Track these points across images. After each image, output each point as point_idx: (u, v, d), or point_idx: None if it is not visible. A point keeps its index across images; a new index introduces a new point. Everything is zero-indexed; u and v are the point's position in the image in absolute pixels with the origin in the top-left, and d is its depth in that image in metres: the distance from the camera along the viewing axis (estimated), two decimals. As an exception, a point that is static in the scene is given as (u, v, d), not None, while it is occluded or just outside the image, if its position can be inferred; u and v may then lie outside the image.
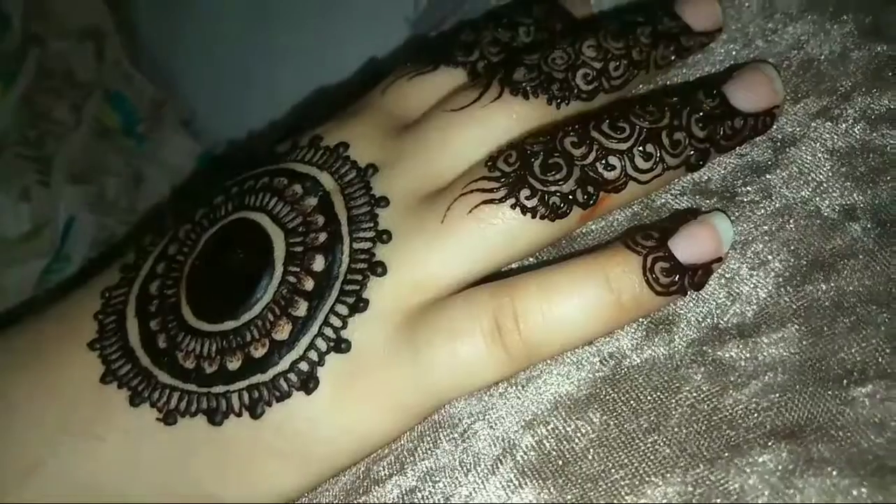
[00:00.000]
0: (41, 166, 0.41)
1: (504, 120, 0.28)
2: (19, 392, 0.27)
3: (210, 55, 0.46)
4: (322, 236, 0.27)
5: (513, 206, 0.26)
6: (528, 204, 0.26)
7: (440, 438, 0.25)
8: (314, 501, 0.26)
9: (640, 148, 0.26)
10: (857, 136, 0.26)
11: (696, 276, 0.25)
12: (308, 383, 0.25)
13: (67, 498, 0.26)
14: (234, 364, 0.26)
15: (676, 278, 0.24)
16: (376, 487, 0.25)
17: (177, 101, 0.48)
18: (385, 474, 0.25)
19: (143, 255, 0.29)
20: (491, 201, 0.26)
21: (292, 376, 0.25)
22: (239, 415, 0.25)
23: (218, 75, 0.46)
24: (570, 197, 0.26)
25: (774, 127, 0.28)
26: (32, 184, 0.41)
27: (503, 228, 0.26)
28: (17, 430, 0.27)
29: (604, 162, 0.26)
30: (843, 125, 0.27)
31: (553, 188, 0.26)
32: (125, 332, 0.27)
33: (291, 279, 0.26)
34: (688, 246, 0.25)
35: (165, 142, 0.47)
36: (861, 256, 0.24)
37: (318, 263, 0.26)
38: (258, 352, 0.26)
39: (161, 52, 0.47)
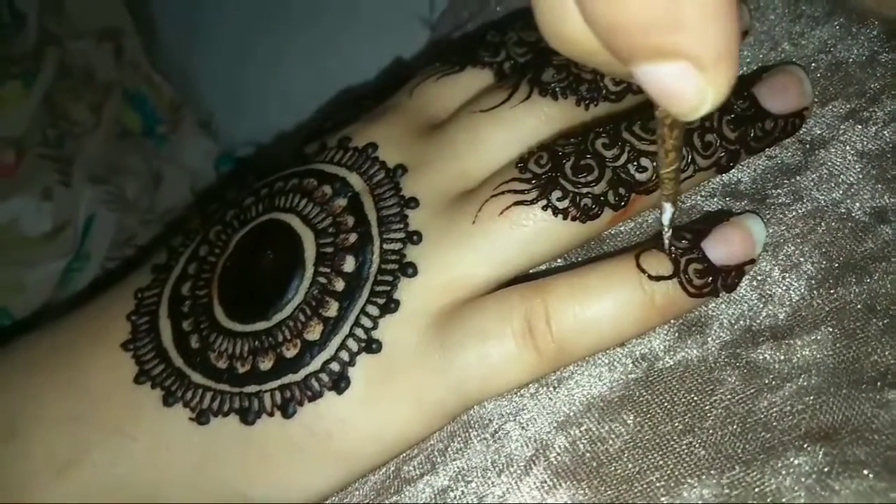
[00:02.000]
0: (62, 166, 0.41)
1: (533, 121, 0.28)
2: (53, 392, 0.28)
3: (228, 56, 0.46)
4: (352, 237, 0.27)
5: (544, 208, 0.26)
6: (560, 205, 0.26)
7: (471, 438, 0.25)
8: (344, 501, 0.26)
9: None
10: (887, 139, 0.27)
11: (728, 277, 0.25)
12: (339, 383, 0.25)
13: (100, 497, 0.27)
14: (266, 364, 0.26)
15: (710, 280, 0.25)
16: (408, 487, 0.25)
17: (195, 103, 0.48)
18: (416, 474, 0.25)
19: (174, 256, 0.29)
20: (522, 202, 0.26)
21: (324, 376, 0.25)
22: (271, 414, 0.26)
23: (236, 76, 0.47)
24: (602, 198, 0.26)
25: (803, 129, 0.28)
26: (53, 183, 0.41)
27: (534, 229, 0.26)
28: (50, 430, 0.27)
29: (636, 163, 0.26)
30: (873, 128, 0.27)
31: (585, 189, 0.26)
32: (158, 333, 0.27)
33: (322, 280, 0.26)
34: (721, 247, 0.25)
35: (184, 143, 0.47)
36: (893, 259, 0.24)
37: (349, 264, 0.26)
38: (290, 352, 0.26)
39: (179, 54, 0.48)
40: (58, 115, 0.43)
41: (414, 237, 0.26)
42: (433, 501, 0.24)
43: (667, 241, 0.25)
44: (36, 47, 0.44)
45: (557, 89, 0.28)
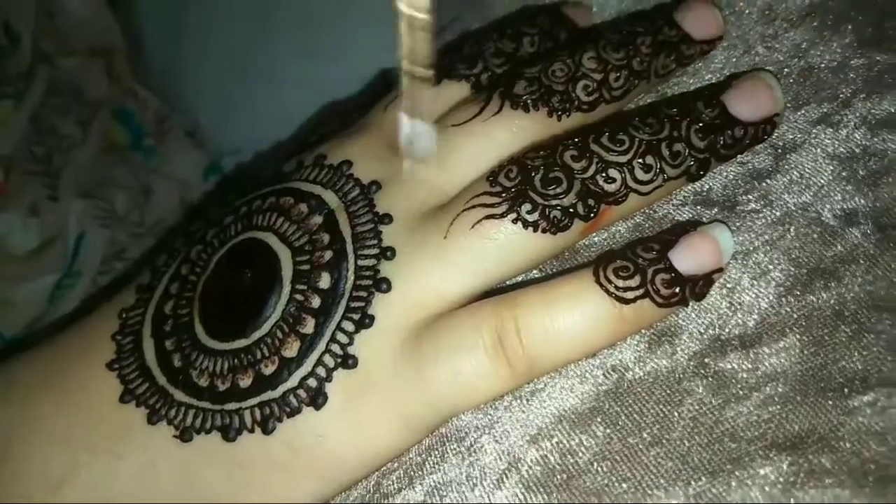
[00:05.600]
0: (50, 181, 0.42)
1: (505, 133, 0.28)
2: (43, 410, 0.28)
3: (216, 67, 0.47)
4: (327, 254, 0.27)
5: (514, 221, 0.26)
6: (530, 218, 0.26)
7: (447, 452, 0.25)
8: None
9: (640, 160, 0.26)
10: (858, 141, 0.26)
11: (697, 286, 0.25)
12: (317, 399, 0.26)
13: None
14: (245, 381, 0.26)
15: (677, 290, 0.25)
16: (386, 501, 0.25)
17: (181, 113, 0.49)
18: (395, 488, 0.25)
19: (157, 276, 0.29)
20: (493, 216, 0.26)
21: (301, 392, 0.26)
22: (252, 431, 0.26)
23: (224, 87, 0.47)
24: (571, 210, 0.26)
25: (775, 134, 0.28)
26: (41, 199, 0.41)
27: (505, 243, 0.26)
28: (42, 448, 0.28)
29: (604, 175, 0.26)
30: (844, 131, 0.27)
31: (554, 202, 0.26)
32: (142, 352, 0.28)
33: (299, 297, 0.27)
34: (688, 257, 0.25)
35: (173, 155, 0.47)
36: (862, 262, 0.24)
37: (325, 281, 0.27)
38: (268, 369, 0.26)
39: (166, 65, 0.48)
40: (45, 130, 0.43)
41: (387, 253, 0.27)
42: (409, 517, 0.24)
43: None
44: (29, 66, 0.44)
45: (529, 101, 0.28)
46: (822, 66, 0.28)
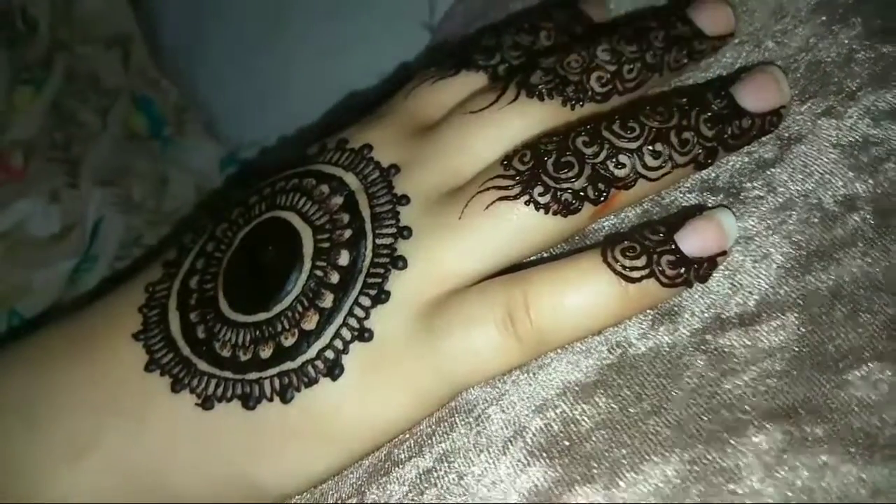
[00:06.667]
0: (69, 168, 0.42)
1: (519, 121, 0.29)
2: (70, 381, 0.29)
3: (232, 61, 0.47)
4: (347, 233, 0.28)
5: (527, 203, 0.27)
6: (542, 200, 0.27)
7: (456, 423, 0.26)
8: (340, 483, 0.27)
9: (650, 147, 0.27)
10: (862, 130, 0.27)
11: (701, 268, 0.26)
12: (334, 370, 0.27)
13: (114, 481, 0.28)
14: (266, 352, 0.27)
15: (682, 271, 0.25)
16: (396, 468, 0.26)
17: (200, 106, 0.49)
18: (405, 457, 0.26)
19: (183, 252, 0.31)
20: (506, 198, 0.27)
21: (319, 363, 0.27)
22: (270, 399, 0.27)
23: (239, 81, 0.47)
24: (582, 193, 0.27)
25: (782, 126, 0.28)
26: (61, 186, 0.42)
27: (517, 224, 0.27)
28: (67, 416, 0.29)
29: (615, 160, 0.27)
30: (849, 121, 0.27)
31: (565, 185, 0.27)
32: (167, 324, 0.29)
33: (319, 273, 0.28)
34: (693, 240, 0.26)
35: (190, 145, 0.48)
36: (860, 245, 0.25)
37: (344, 258, 0.28)
38: (288, 341, 0.27)
39: (183, 57, 0.49)
40: (65, 118, 0.44)
41: (404, 232, 0.28)
42: (417, 481, 0.25)
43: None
44: (46, 54, 0.45)
45: (544, 91, 0.29)
46: (829, 59, 0.29)
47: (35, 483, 0.28)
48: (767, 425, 0.22)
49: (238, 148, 0.49)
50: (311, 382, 0.27)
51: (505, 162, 0.28)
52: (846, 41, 0.29)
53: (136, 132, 0.48)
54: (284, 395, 0.27)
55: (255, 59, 0.46)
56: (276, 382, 0.27)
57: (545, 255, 0.29)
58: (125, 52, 0.49)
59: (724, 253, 0.26)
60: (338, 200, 0.29)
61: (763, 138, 0.29)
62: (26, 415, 0.29)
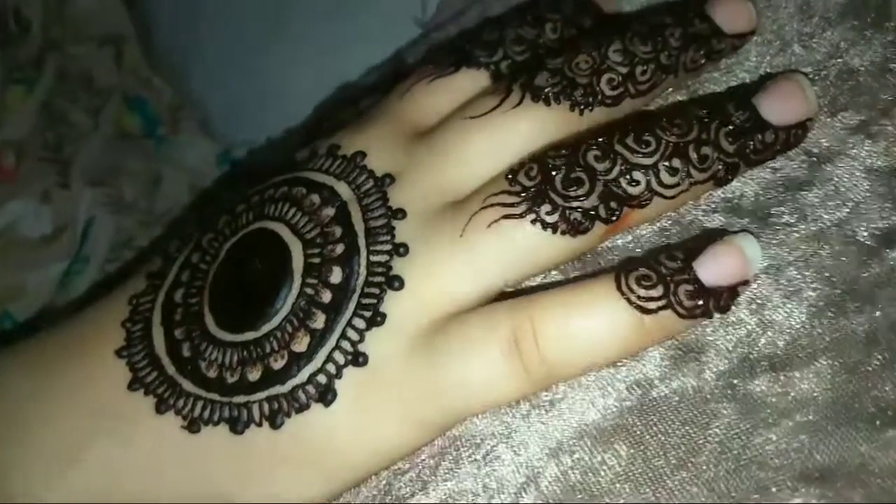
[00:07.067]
0: (61, 168, 0.42)
1: (525, 127, 0.27)
2: (55, 397, 0.28)
3: (225, 58, 0.46)
4: (339, 248, 0.26)
5: (533, 222, 0.25)
6: (549, 220, 0.25)
7: (462, 458, 0.25)
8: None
9: (667, 163, 0.25)
10: (897, 155, 0.26)
11: (721, 299, 0.24)
12: (326, 395, 0.25)
13: (95, 499, 0.27)
14: (254, 375, 0.26)
15: (701, 302, 0.24)
16: (399, 504, 0.25)
17: (195, 104, 0.48)
18: (407, 492, 0.25)
19: (168, 263, 0.29)
20: (511, 216, 0.25)
21: (311, 388, 0.25)
22: (259, 424, 0.25)
23: (237, 79, 0.46)
24: (593, 212, 0.25)
25: (810, 140, 0.27)
26: (52, 186, 0.41)
27: (523, 244, 0.25)
28: (52, 433, 0.27)
29: (628, 177, 0.25)
30: (883, 143, 0.26)
31: (575, 203, 0.25)
32: (151, 341, 0.27)
33: (309, 291, 0.26)
34: (713, 268, 0.24)
35: (183, 143, 0.47)
36: (898, 286, 0.24)
37: (336, 276, 0.26)
38: (277, 363, 0.26)
39: (179, 56, 0.48)
40: (56, 118, 0.43)
41: (400, 249, 0.26)
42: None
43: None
44: (38, 53, 0.45)
45: (551, 94, 0.27)
46: (862, 68, 0.27)
47: (21, 497, 0.27)
48: (801, 488, 0.21)
49: (232, 146, 0.48)
50: (303, 408, 0.25)
51: (510, 176, 0.26)
52: (880, 48, 0.27)
53: (129, 132, 0.47)
54: (274, 421, 0.25)
55: (253, 58, 0.45)
56: (266, 407, 0.26)
57: (554, 273, 0.27)
58: (118, 51, 0.49)
59: (745, 282, 0.25)
60: (329, 212, 0.27)
61: (790, 153, 0.27)
62: (12, 430, 0.28)
